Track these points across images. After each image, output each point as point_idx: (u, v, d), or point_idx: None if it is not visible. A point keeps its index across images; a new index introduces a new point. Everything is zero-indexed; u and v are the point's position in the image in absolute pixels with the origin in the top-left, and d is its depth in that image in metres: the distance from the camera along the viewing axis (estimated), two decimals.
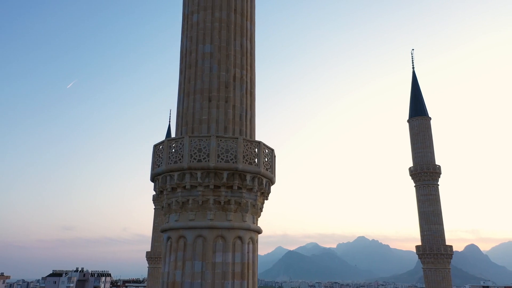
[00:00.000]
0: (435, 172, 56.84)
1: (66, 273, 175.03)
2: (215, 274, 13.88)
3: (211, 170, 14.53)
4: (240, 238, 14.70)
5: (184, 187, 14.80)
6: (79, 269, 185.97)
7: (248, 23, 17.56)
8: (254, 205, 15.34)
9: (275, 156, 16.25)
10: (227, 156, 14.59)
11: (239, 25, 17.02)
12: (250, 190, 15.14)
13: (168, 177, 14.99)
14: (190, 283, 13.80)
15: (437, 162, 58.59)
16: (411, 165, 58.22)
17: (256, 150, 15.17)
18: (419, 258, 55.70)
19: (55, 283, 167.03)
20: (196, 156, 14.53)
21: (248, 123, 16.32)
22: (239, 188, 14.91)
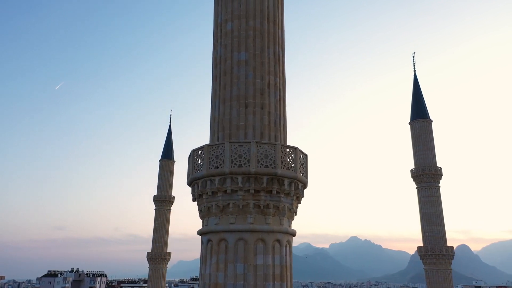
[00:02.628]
0: (437, 174, 57.68)
1: (61, 274, 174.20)
2: (257, 276, 14.36)
3: (252, 175, 15.03)
4: (278, 241, 15.22)
5: (225, 191, 15.27)
6: (74, 270, 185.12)
7: (280, 31, 18.10)
8: (290, 209, 15.88)
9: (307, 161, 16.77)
10: (266, 161, 15.10)
11: (272, 33, 17.54)
12: (287, 194, 15.67)
13: (209, 182, 15.45)
14: (232, 285, 14.27)
15: (438, 164, 59.43)
16: (412, 167, 59.01)
17: (293, 155, 15.69)
18: (421, 259, 56.47)
19: (50, 283, 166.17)
20: (237, 161, 15.03)
21: (282, 128, 16.86)
22: (277, 192, 15.42)
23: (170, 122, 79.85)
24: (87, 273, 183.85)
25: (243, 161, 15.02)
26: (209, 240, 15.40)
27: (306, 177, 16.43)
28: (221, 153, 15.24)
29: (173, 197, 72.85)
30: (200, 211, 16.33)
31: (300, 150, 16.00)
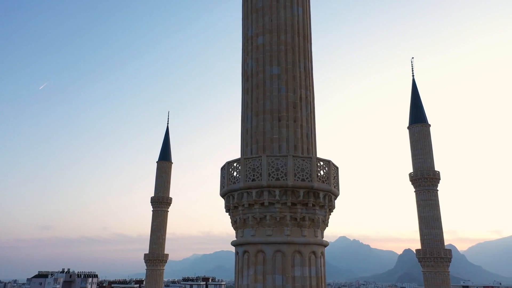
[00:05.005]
0: (435, 178, 58.60)
1: (51, 274, 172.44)
2: None
3: (289, 188, 15.40)
4: (314, 253, 15.62)
5: (262, 203, 15.61)
6: (65, 270, 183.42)
7: (309, 45, 18.49)
8: (323, 221, 16.28)
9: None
10: (302, 175, 15.48)
11: (302, 47, 17.92)
12: (322, 207, 16.08)
13: (245, 194, 15.77)
14: None
15: (436, 168, 60.37)
16: (410, 170, 59.88)
17: (327, 168, 16.09)
18: (419, 261, 57.34)
19: (40, 284, 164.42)
20: (274, 174, 15.38)
21: (313, 141, 17.25)
22: (313, 205, 15.79)
23: (167, 123, 79.58)
24: (78, 274, 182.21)
25: (280, 174, 15.38)
26: (245, 252, 15.73)
27: (338, 189, 16.86)
28: (258, 166, 15.57)
29: (171, 198, 72.87)
30: (234, 222, 16.64)
31: (333, 163, 16.41)
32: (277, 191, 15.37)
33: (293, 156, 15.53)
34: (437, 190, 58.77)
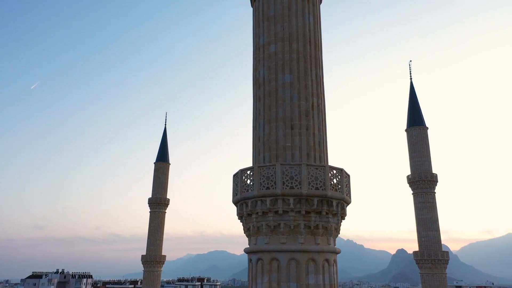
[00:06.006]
0: (432, 180, 59.07)
1: (46, 275, 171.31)
2: None
3: (303, 197, 15.54)
4: (327, 260, 15.78)
5: (276, 212, 15.74)
6: (60, 271, 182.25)
7: (319, 53, 18.66)
8: (336, 229, 16.46)
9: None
10: (316, 183, 15.63)
11: (313, 56, 18.09)
12: (335, 215, 16.26)
13: (259, 202, 15.89)
14: None
15: (433, 171, 60.84)
16: (408, 172, 60.30)
17: (339, 177, 16.26)
18: (417, 263, 57.80)
19: (34, 285, 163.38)
20: (288, 183, 15.52)
21: (324, 149, 17.41)
22: (326, 213, 15.96)
23: (165, 124, 79.36)
24: (72, 274, 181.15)
25: (295, 183, 15.52)
26: (259, 259, 15.86)
27: (350, 197, 17.04)
28: (272, 175, 15.70)
29: (168, 199, 72.72)
30: (247, 229, 16.76)
31: (345, 172, 16.59)
32: (291, 200, 15.53)
33: (307, 164, 15.68)
34: (435, 193, 59.27)
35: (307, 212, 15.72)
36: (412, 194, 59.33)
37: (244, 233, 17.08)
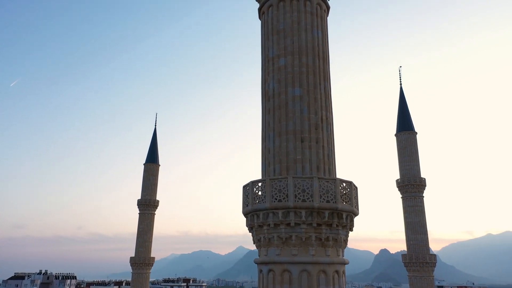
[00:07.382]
0: (421, 184, 60.10)
1: (28, 276, 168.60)
2: None
3: (315, 209, 15.89)
4: (337, 272, 16.19)
5: (288, 224, 16.06)
6: (43, 272, 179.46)
7: (327, 66, 19.05)
8: (345, 240, 16.86)
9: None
10: (327, 196, 16.01)
11: (322, 70, 18.48)
12: (344, 227, 16.66)
13: (271, 214, 16.18)
14: None
15: (422, 175, 61.90)
16: (397, 177, 61.26)
17: (349, 189, 16.67)
18: (405, 266, 58.75)
19: (17, 286, 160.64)
20: (300, 196, 15.85)
21: (333, 161, 17.81)
22: (336, 225, 16.34)
23: (155, 125, 78.80)
24: (55, 275, 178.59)
25: (306, 196, 15.86)
26: (270, 270, 16.16)
27: (358, 209, 17.46)
28: (284, 187, 16.01)
29: (158, 201, 72.21)
30: (258, 240, 17.03)
31: (353, 184, 17.01)
32: (303, 212, 15.86)
33: (318, 178, 16.03)
34: (423, 197, 60.30)
35: (318, 225, 16.07)
36: (401, 198, 60.25)
37: (254, 243, 17.35)
